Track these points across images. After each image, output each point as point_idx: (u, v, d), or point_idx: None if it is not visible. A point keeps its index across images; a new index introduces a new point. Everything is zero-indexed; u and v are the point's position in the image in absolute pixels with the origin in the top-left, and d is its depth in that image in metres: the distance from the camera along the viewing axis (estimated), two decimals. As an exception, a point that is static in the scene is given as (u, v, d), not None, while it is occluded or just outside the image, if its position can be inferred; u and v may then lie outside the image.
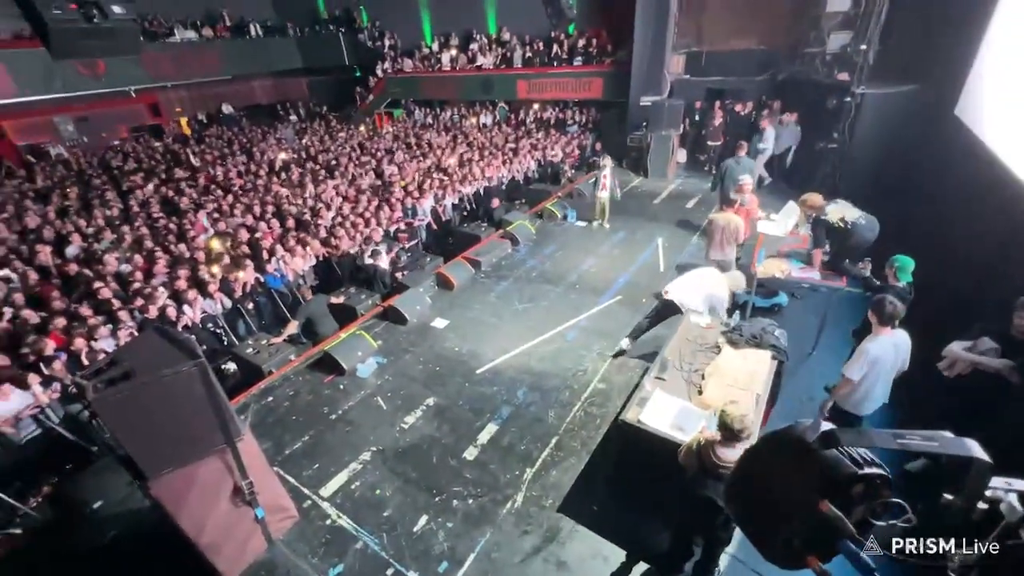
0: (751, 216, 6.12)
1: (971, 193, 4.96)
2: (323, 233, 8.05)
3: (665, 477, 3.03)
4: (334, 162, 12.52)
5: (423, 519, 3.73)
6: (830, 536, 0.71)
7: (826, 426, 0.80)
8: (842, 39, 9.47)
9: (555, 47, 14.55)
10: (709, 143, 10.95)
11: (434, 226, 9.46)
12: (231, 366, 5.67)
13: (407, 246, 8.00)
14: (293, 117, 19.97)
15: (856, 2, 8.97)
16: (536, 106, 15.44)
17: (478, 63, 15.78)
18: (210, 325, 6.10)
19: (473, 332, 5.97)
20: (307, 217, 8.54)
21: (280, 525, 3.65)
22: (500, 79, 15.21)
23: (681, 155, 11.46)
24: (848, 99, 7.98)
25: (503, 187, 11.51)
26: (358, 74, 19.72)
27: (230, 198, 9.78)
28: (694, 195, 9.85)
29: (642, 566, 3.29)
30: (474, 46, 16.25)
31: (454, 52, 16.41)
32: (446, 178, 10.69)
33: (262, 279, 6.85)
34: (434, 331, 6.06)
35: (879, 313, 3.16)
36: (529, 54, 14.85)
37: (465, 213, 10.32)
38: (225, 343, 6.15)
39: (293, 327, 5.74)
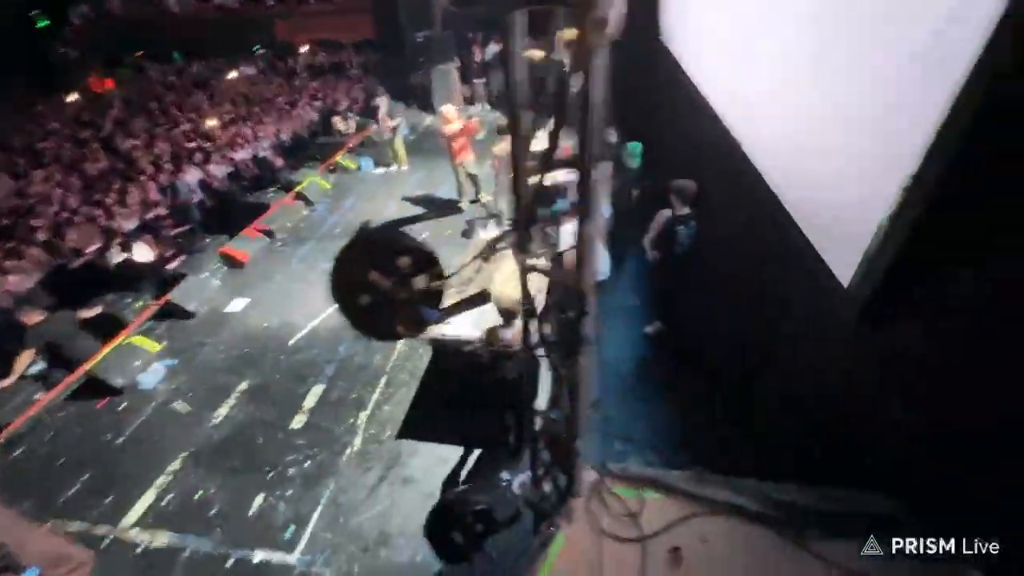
0: (470, 131, 6.49)
1: (671, 99, 6.24)
2: (43, 236, 6.24)
3: (478, 371, 3.44)
4: (39, 146, 9.51)
5: (259, 499, 3.56)
6: (406, 306, 0.95)
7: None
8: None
9: (308, -21, 12.95)
10: (474, 80, 11.36)
11: (208, 202, 8.10)
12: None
13: (174, 232, 6.75)
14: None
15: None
16: (304, 50, 13.79)
17: (216, 1, 13.18)
18: None
19: (280, 304, 5.52)
20: (7, 222, 6.48)
21: None
22: (251, 19, 13.05)
23: (465, 89, 11.70)
24: (586, 22, 9.04)
25: (286, 145, 10.34)
26: (43, 23, 14.73)
27: None
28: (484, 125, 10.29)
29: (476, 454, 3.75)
30: (205, -20, 13.45)
31: (179, -12, 13.36)
32: (209, 144, 9.09)
33: (-45, 313, 5.11)
34: (232, 316, 5.42)
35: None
36: (279, -12, 12.95)
37: (246, 182, 9.03)
38: (-80, 408, 4.54)
39: (26, 359, 4.49)
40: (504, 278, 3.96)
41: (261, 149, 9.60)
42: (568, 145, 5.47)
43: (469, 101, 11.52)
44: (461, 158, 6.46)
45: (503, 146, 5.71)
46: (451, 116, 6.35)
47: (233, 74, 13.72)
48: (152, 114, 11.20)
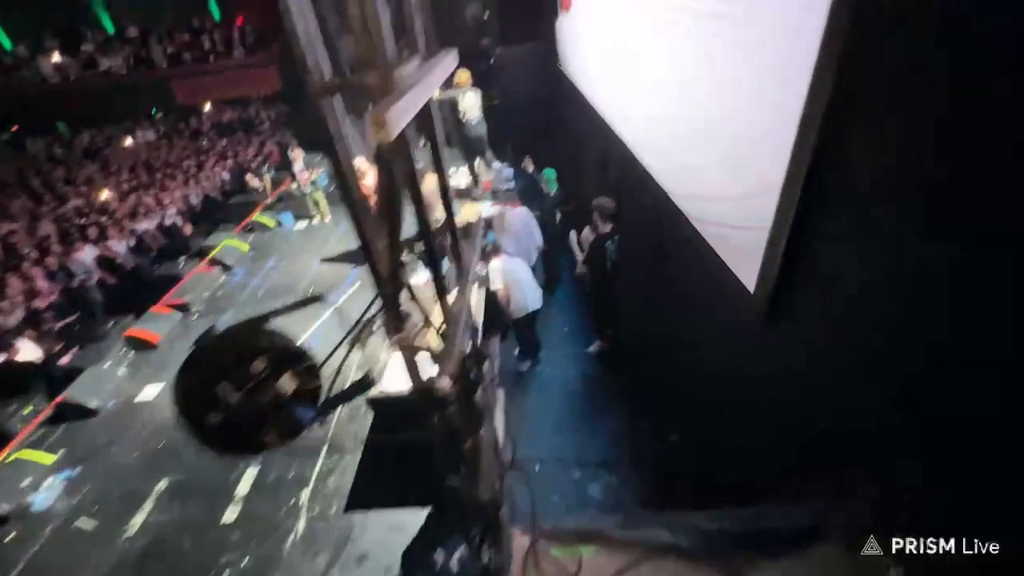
0: None
1: (577, 122, 6.59)
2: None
3: (421, 427, 3.27)
4: None
5: (189, 616, 3.12)
6: (276, 411, 0.87)
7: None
8: (475, 10, 11.04)
9: (205, 38, 12.55)
10: None
11: (109, 280, 7.38)
12: None
13: (62, 323, 6.01)
14: None
15: (475, -23, 10.47)
16: (207, 108, 13.24)
17: (103, 68, 12.40)
18: None
19: (200, 384, 5.04)
20: None
21: None
22: (143, 85, 12.38)
23: (384, 133, 11.70)
24: (492, 60, 9.42)
25: (197, 210, 9.74)
26: None
27: None
28: (406, 168, 10.28)
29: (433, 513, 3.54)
30: (88, 47, 12.64)
31: (57, 57, 12.44)
32: (106, 218, 8.36)
33: None
34: (144, 406, 4.86)
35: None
36: (172, 49, 12.44)
37: (154, 254, 8.35)
38: None
39: None
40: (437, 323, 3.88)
41: (167, 216, 8.96)
42: (487, 179, 5.48)
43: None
44: None
45: (426, 185, 5.72)
46: (364, 168, 6.23)
47: (129, 141, 12.85)
48: (35, 193, 10.17)
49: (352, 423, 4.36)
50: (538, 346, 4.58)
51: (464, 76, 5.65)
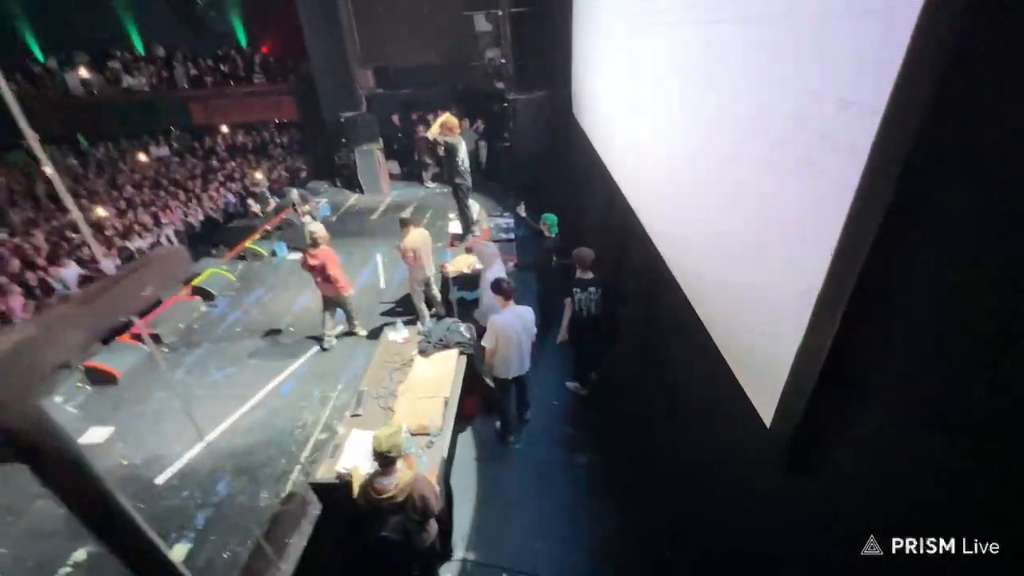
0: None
1: (585, 172, 6.34)
2: None
3: (366, 524, 2.79)
4: None
5: None
6: None
7: None
8: (493, 54, 11.12)
9: (228, 64, 12.80)
10: (426, 160, 11.07)
11: (88, 302, 7.09)
12: None
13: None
14: None
15: (495, 24, 10.59)
16: (224, 130, 13.34)
17: (125, 84, 12.64)
18: None
19: (152, 431, 4.60)
20: None
21: None
22: (164, 103, 12.56)
23: (393, 167, 11.62)
24: (506, 104, 9.35)
25: (196, 231, 9.58)
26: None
27: None
28: (410, 203, 10.09)
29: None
30: (116, 64, 12.94)
31: (84, 72, 12.72)
32: (107, 233, 8.17)
33: None
34: (87, 451, 4.41)
35: (498, 291, 3.60)
36: (195, 71, 12.67)
37: (141, 274, 8.08)
38: None
39: None
40: (414, 398, 3.43)
41: (163, 236, 8.78)
42: (486, 228, 5.11)
43: (402, 177, 11.37)
44: (342, 289, 5.37)
45: (413, 237, 5.30)
46: (323, 233, 5.18)
47: (143, 156, 12.91)
48: (39, 202, 10.11)
49: (307, 493, 3.86)
50: (523, 420, 4.12)
51: (454, 121, 5.41)
